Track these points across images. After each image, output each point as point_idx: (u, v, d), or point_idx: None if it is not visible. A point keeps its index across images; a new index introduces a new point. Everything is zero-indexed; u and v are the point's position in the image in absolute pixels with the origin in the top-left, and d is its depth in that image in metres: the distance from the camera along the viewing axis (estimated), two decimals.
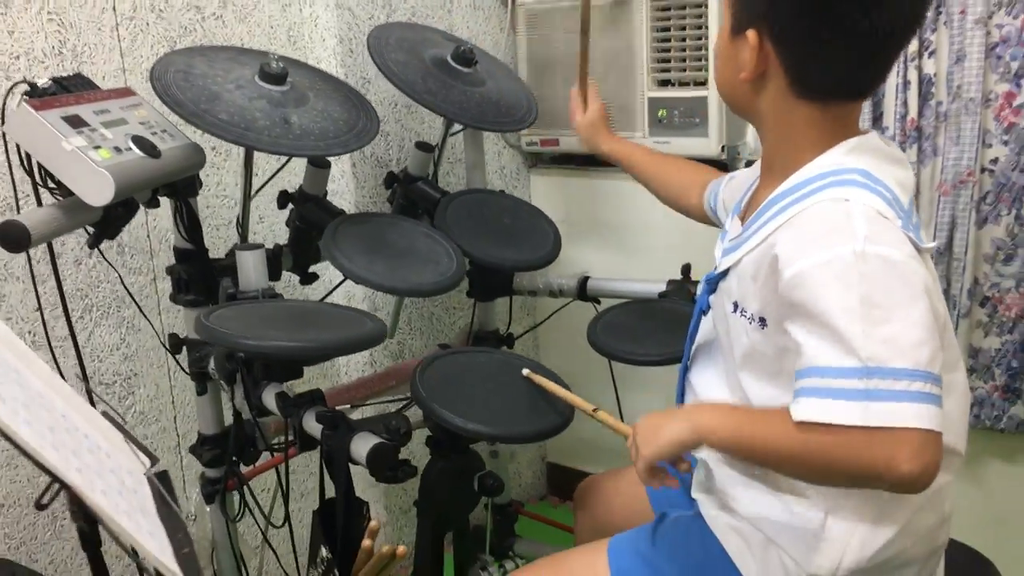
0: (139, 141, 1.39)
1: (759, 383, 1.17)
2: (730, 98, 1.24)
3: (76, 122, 1.31)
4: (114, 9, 1.83)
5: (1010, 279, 1.90)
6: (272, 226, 2.13)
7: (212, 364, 1.64)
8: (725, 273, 1.23)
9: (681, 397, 1.39)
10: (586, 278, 2.03)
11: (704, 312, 1.33)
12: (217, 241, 2.04)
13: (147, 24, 1.89)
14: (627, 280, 2.02)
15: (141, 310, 1.82)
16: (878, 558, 1.11)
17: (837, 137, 1.14)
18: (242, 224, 1.75)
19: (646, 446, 1.14)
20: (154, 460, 1.05)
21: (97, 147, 1.30)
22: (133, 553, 0.83)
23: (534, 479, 2.87)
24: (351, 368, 2.33)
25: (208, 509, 1.81)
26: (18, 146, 1.36)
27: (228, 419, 1.75)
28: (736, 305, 1.18)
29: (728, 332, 1.22)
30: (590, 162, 2.49)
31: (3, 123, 1.35)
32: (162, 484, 1.01)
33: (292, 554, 1.73)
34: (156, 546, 0.86)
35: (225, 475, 1.73)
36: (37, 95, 1.34)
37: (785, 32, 1.10)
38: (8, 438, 0.77)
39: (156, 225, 1.94)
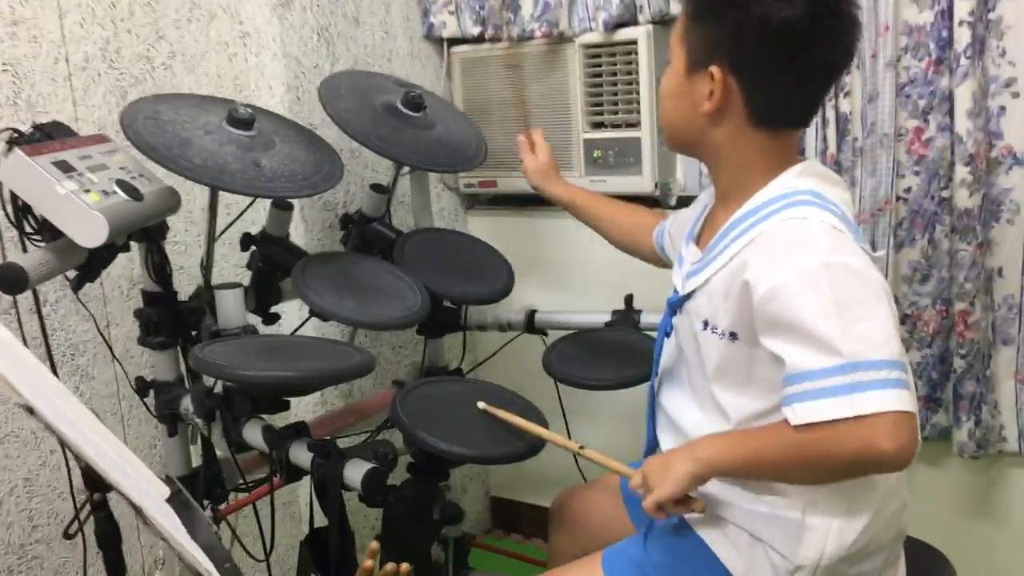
0: (123, 185, 1.42)
1: (730, 392, 1.26)
2: (683, 134, 1.31)
3: (66, 167, 1.34)
4: (67, 60, 1.85)
5: (927, 297, 2.04)
6: (222, 270, 2.15)
7: (184, 405, 1.66)
8: (690, 295, 1.31)
9: (652, 419, 1.46)
10: (534, 311, 2.11)
11: (668, 334, 1.41)
12: None
13: (99, 74, 1.91)
14: (573, 312, 2.11)
15: (114, 354, 1.82)
16: (857, 544, 1.21)
17: (783, 162, 1.25)
18: (206, 266, 1.78)
19: (661, 486, 1.20)
20: (173, 485, 1.08)
21: (87, 191, 1.33)
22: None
23: (479, 514, 2.91)
24: (301, 410, 2.35)
25: None
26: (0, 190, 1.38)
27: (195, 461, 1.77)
28: (706, 323, 1.27)
29: (699, 350, 1.30)
30: (526, 202, 2.57)
31: None
32: (186, 506, 1.04)
33: None
34: (204, 560, 0.90)
35: None
36: (25, 141, 1.36)
37: (749, 67, 1.20)
38: (76, 454, 0.80)
39: (110, 272, 1.94)
